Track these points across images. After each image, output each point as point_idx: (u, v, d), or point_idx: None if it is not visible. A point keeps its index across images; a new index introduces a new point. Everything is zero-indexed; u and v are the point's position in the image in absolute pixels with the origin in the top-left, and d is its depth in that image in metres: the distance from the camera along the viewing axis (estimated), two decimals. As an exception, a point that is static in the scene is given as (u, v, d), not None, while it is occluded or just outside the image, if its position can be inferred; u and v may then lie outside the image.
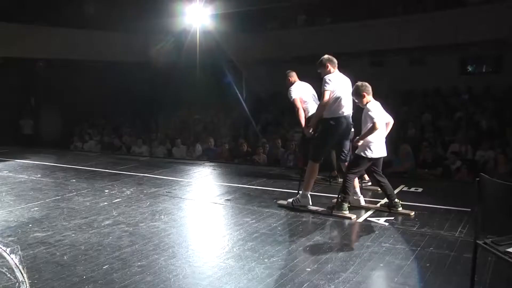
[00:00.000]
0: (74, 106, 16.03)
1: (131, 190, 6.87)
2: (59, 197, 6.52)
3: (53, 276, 3.72)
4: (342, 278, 3.59)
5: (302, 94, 6.67)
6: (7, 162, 9.88)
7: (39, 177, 8.13)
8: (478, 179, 3.02)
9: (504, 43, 13.01)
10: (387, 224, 4.94)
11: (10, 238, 4.65)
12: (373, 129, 4.99)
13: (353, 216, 5.16)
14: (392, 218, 5.12)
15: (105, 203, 6.12)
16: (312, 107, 6.50)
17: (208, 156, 10.99)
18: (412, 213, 5.25)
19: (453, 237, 4.49)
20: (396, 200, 5.32)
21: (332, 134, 5.42)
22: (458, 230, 4.66)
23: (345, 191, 5.19)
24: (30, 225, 5.13)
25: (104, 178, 7.78)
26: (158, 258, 4.07)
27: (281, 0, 16.21)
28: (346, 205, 5.19)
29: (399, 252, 4.12)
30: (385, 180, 5.31)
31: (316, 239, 4.49)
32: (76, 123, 15.88)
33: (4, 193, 6.78)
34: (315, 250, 4.20)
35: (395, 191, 6.30)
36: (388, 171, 9.04)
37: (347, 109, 5.42)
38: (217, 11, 14.14)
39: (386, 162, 9.41)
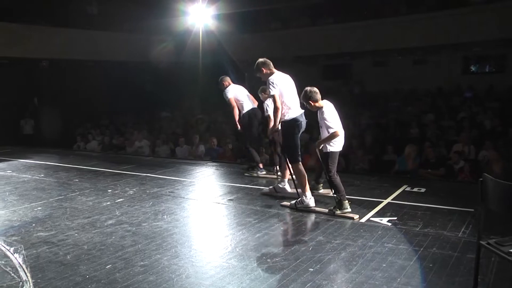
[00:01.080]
0: (77, 106, 16.06)
1: (134, 190, 6.88)
2: (62, 196, 6.54)
3: (56, 275, 3.74)
4: (345, 278, 3.60)
5: (237, 94, 7.52)
6: (10, 162, 9.91)
7: (42, 176, 8.15)
8: (481, 179, 3.01)
9: (507, 43, 12.99)
10: (389, 224, 4.93)
11: (13, 238, 4.67)
12: (334, 136, 5.25)
13: (356, 216, 5.17)
14: (395, 218, 5.12)
15: (108, 203, 6.13)
16: (247, 105, 7.51)
17: (211, 156, 10.99)
18: (331, 193, 5.44)
19: (456, 237, 4.47)
20: (320, 185, 6.10)
21: (297, 132, 5.61)
22: (461, 231, 4.65)
23: (337, 190, 5.29)
24: (34, 225, 5.14)
25: (107, 178, 7.79)
26: (161, 258, 4.07)
27: (284, 0, 16.22)
28: (346, 203, 5.28)
29: (402, 252, 4.11)
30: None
31: (319, 239, 4.49)
32: (79, 123, 15.90)
33: (7, 193, 6.80)
34: (318, 250, 4.20)
35: (398, 191, 6.33)
36: (392, 171, 9.09)
37: (298, 106, 5.64)
38: (220, 11, 14.15)
39: (390, 162, 9.51)
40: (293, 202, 5.69)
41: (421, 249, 4.17)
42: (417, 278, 3.58)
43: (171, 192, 6.74)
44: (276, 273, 3.70)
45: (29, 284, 3.55)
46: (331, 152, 5.29)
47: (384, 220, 5.06)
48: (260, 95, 7.28)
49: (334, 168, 5.31)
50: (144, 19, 16.10)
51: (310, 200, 5.54)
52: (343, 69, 17.32)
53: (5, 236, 4.74)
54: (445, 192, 6.40)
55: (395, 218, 5.14)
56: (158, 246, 4.39)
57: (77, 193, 6.75)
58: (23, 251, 4.26)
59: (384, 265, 3.84)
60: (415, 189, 6.50)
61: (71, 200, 6.33)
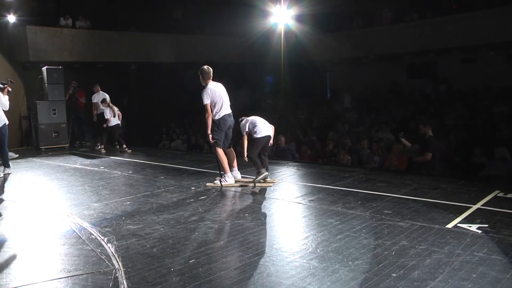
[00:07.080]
0: (162, 106, 16.84)
1: (216, 188, 7.07)
2: (149, 192, 6.88)
3: (144, 266, 3.94)
4: (430, 286, 3.42)
5: (98, 99, 12.37)
6: (103, 159, 10.65)
7: (130, 173, 8.65)
8: None
9: None
10: (480, 231, 4.63)
11: (106, 229, 5.01)
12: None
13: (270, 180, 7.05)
14: (486, 225, 4.80)
15: (192, 200, 6.36)
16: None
17: (292, 156, 11.00)
18: (275, 181, 7.29)
19: (561, 251, 4.07)
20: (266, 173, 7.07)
21: (222, 128, 7.01)
22: None
23: (256, 166, 6.98)
24: (123, 218, 5.46)
25: (190, 176, 8.08)
26: (243, 255, 4.14)
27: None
28: (261, 173, 6.91)
29: (495, 263, 3.82)
30: (264, 159, 7.19)
31: (402, 244, 4.32)
32: (164, 122, 16.64)
33: (101, 187, 7.31)
34: (401, 255, 4.05)
35: (489, 197, 5.95)
36: (481, 174, 8.52)
37: (227, 109, 7.08)
38: (301, 11, 14.20)
39: (478, 165, 8.92)
40: (217, 181, 7.09)
41: (519, 261, 3.85)
42: (514, 293, 3.32)
43: (252, 191, 6.86)
44: (358, 276, 3.61)
45: (121, 272, 3.79)
46: (255, 137, 7.02)
47: (474, 227, 4.76)
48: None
49: (254, 151, 6.96)
50: (225, 22, 16.53)
51: (230, 178, 7.09)
52: (429, 67, 16.54)
53: (100, 226, 5.09)
54: (545, 199, 5.89)
55: (486, 225, 4.81)
56: (240, 243, 4.47)
57: (162, 189, 7.07)
58: (115, 242, 4.55)
59: (474, 275, 3.60)
60: (509, 195, 6.05)
61: (157, 196, 6.65)
